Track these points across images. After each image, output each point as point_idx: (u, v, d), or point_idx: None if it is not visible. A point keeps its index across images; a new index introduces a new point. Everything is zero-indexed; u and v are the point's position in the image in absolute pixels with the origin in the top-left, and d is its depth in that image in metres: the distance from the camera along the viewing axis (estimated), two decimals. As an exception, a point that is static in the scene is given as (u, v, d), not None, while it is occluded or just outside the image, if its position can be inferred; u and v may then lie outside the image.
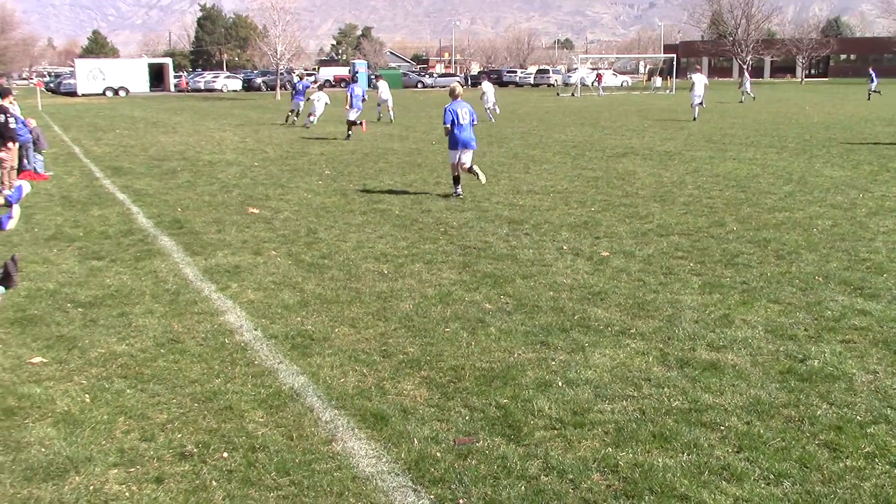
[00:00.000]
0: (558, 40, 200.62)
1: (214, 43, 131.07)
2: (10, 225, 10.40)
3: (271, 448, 4.37)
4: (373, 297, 7.17)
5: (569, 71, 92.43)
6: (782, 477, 4.00)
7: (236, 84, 79.47)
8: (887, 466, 4.10)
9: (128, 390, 5.17)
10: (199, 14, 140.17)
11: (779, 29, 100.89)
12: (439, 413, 4.77)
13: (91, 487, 4.00)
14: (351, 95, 23.96)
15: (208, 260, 8.68)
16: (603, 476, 4.05)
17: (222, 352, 5.86)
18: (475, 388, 5.11)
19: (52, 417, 4.77)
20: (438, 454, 4.28)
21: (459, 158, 12.71)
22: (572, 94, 59.17)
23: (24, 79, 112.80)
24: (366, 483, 4.02)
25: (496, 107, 31.79)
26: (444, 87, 74.07)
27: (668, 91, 64.31)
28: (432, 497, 3.90)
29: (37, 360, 5.73)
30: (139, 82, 72.62)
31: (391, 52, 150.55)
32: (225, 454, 4.31)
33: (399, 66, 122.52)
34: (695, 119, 29.41)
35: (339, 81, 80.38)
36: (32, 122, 16.80)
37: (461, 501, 3.86)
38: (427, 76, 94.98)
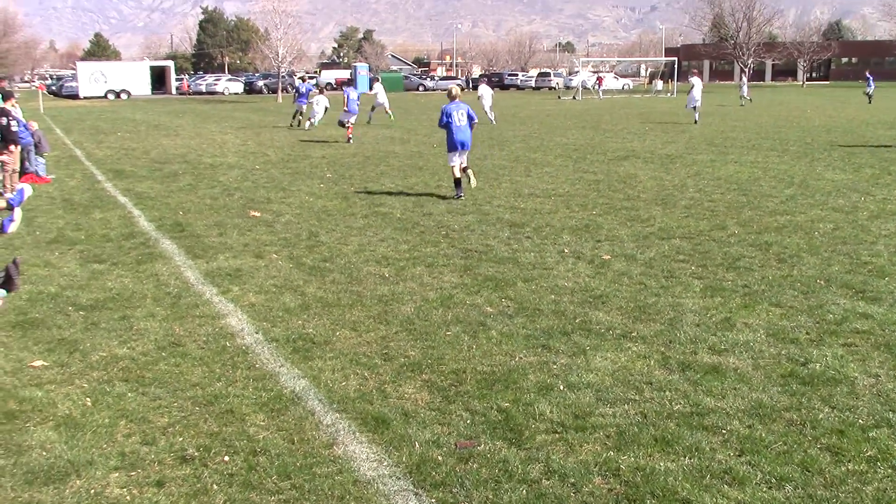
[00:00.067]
0: (559, 43, 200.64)
1: (216, 46, 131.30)
2: (12, 228, 10.44)
3: (272, 452, 4.36)
4: (374, 301, 7.17)
5: (570, 74, 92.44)
6: (784, 481, 3.99)
7: (238, 87, 79.60)
8: (889, 470, 4.09)
9: (129, 394, 5.17)
10: (201, 17, 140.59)
11: (780, 32, 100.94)
12: (440, 417, 4.77)
13: (92, 491, 4.00)
14: (347, 98, 24.05)
15: (210, 263, 8.68)
16: (604, 480, 4.04)
17: (223, 355, 5.86)
18: (476, 392, 5.11)
19: (53, 421, 4.77)
20: (440, 458, 4.27)
21: (454, 159, 12.80)
22: (573, 98, 59.23)
23: (27, 81, 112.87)
24: (367, 487, 4.01)
25: (492, 111, 31.73)
26: (445, 90, 74.14)
27: (669, 94, 64.34)
28: (434, 501, 3.89)
29: (38, 363, 5.73)
30: (141, 85, 72.74)
31: (392, 55, 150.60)
32: (226, 458, 4.31)
33: (400, 69, 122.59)
34: (696, 122, 29.39)
35: (340, 84, 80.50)
36: (34, 125, 16.83)
37: (462, 505, 3.85)
38: (428, 79, 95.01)
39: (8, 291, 7.32)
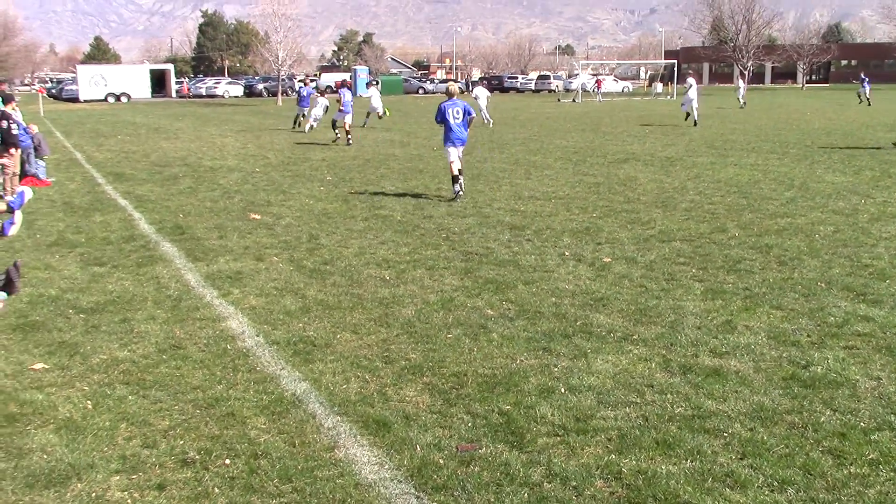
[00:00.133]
0: (559, 46, 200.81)
1: (216, 49, 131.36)
2: (13, 231, 10.42)
3: (273, 455, 4.36)
4: (375, 303, 7.16)
5: (570, 77, 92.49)
6: (786, 484, 3.99)
7: (238, 90, 79.59)
8: (891, 473, 4.08)
9: (130, 397, 5.16)
10: (201, 20, 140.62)
11: (780, 35, 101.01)
12: (442, 420, 4.76)
13: (93, 494, 4.00)
14: (343, 99, 24.12)
15: (210, 266, 8.68)
16: (606, 483, 4.04)
17: (224, 358, 5.85)
18: (477, 395, 5.10)
19: (53, 424, 4.77)
20: (441, 461, 4.27)
21: (452, 154, 13.01)
22: (573, 100, 59.26)
23: (27, 85, 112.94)
24: (368, 490, 4.01)
25: (487, 112, 31.78)
26: (444, 93, 74.19)
27: (668, 97, 64.37)
28: (435, 504, 3.89)
29: (39, 366, 5.73)
30: (141, 88, 72.73)
31: (392, 58, 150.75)
32: (227, 461, 4.30)
33: (400, 71, 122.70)
34: (696, 124, 29.45)
35: (339, 86, 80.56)
36: (34, 128, 16.82)
37: (464, 508, 3.85)
38: (428, 82, 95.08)
39: (8, 294, 7.31)
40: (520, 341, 6.11)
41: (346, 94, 24.29)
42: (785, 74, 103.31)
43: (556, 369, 5.52)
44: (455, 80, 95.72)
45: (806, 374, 5.37)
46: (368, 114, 31.89)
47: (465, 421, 4.74)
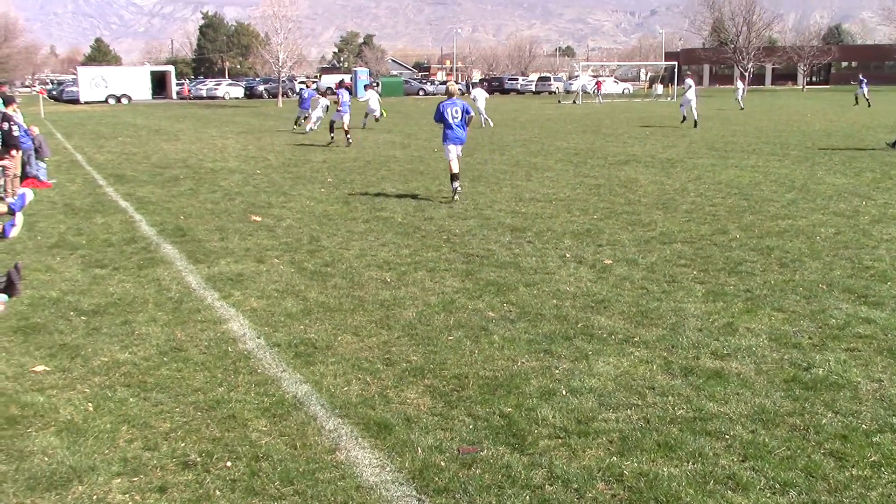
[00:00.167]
0: (559, 48, 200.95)
1: (216, 51, 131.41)
2: (14, 233, 10.42)
3: (275, 457, 4.35)
4: (376, 306, 7.16)
5: (570, 78, 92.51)
6: (788, 486, 3.98)
7: (238, 92, 79.62)
8: (894, 475, 4.08)
9: (131, 399, 5.16)
10: (202, 22, 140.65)
11: (780, 36, 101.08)
12: (443, 422, 4.76)
13: (94, 497, 3.99)
14: (340, 100, 24.19)
15: (211, 268, 8.68)
16: (608, 485, 4.03)
17: (225, 360, 5.85)
18: (479, 397, 5.10)
19: (55, 426, 4.76)
20: (442, 463, 4.26)
21: (451, 153, 13.16)
22: (574, 102, 59.25)
23: (27, 86, 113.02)
24: (370, 492, 4.00)
25: (486, 113, 31.94)
26: (444, 93, 74.21)
27: (669, 98, 64.38)
28: (437, 506, 3.89)
29: (40, 368, 5.73)
30: (141, 90, 72.73)
31: (393, 60, 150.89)
32: (228, 463, 4.30)
33: (401, 73, 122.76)
34: (696, 125, 29.53)
35: (338, 88, 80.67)
36: (35, 130, 16.83)
37: (466, 511, 3.84)
38: (429, 83, 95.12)
39: (10, 296, 7.31)
40: (521, 343, 6.11)
41: (344, 95, 24.39)
42: (785, 76, 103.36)
43: (557, 371, 5.52)
44: (456, 81, 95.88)
45: (807, 376, 5.37)
46: (366, 114, 32.03)
47: (466, 423, 4.74)
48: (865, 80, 47.17)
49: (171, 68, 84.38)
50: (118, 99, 69.38)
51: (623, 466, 4.19)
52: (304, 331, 6.48)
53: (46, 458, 4.36)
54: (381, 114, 32.04)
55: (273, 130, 31.52)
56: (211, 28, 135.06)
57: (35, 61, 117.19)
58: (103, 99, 69.05)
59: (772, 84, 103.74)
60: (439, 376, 5.46)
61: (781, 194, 13.24)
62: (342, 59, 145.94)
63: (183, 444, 4.52)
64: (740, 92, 46.77)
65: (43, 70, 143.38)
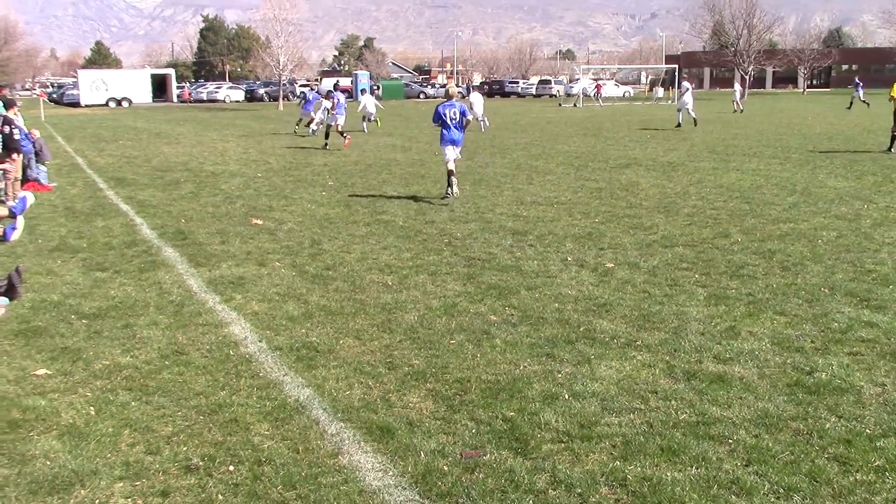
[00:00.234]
0: (560, 51, 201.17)
1: (217, 54, 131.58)
2: (15, 236, 10.43)
3: (277, 461, 4.34)
4: (377, 309, 7.15)
5: (571, 82, 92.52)
6: (792, 491, 3.97)
7: (239, 95, 79.69)
8: (898, 480, 4.07)
9: (133, 403, 5.15)
10: (202, 25, 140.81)
11: (780, 39, 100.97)
12: (445, 426, 4.75)
13: (97, 501, 3.98)
14: (337, 102, 24.25)
15: (212, 271, 8.67)
16: (611, 490, 4.02)
17: (227, 364, 5.84)
18: (481, 401, 5.09)
19: (56, 430, 4.75)
20: (445, 468, 4.25)
21: (448, 155, 13.48)
22: (574, 105, 59.27)
23: (28, 89, 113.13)
24: (372, 497, 3.99)
25: (484, 118, 32.07)
26: (444, 95, 74.32)
27: (670, 101, 64.36)
28: (440, 511, 3.88)
29: (41, 372, 5.72)
30: (142, 93, 72.82)
31: (393, 63, 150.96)
32: (231, 467, 4.29)
33: (401, 76, 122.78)
34: (696, 123, 29.85)
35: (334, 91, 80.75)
36: (36, 133, 16.84)
37: (469, 516, 3.83)
38: (429, 87, 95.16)
39: (11, 300, 7.31)
40: (523, 347, 6.10)
41: (340, 97, 24.47)
42: (786, 79, 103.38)
43: (559, 375, 5.51)
44: (456, 84, 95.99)
45: (810, 380, 5.36)
46: (363, 118, 32.23)
47: (468, 427, 4.73)
48: (861, 84, 47.33)
49: (171, 71, 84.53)
50: (119, 102, 69.48)
51: (626, 471, 4.18)
52: (305, 334, 6.47)
53: (48, 462, 4.35)
54: (376, 120, 32.22)
55: (274, 133, 31.53)
56: (211, 31, 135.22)
57: (35, 64, 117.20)
58: (104, 102, 69.15)
59: (772, 87, 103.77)
60: (441, 380, 5.45)
61: (783, 198, 13.23)
62: (343, 62, 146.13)
63: (185, 449, 4.51)
64: (738, 94, 46.74)
65: (43, 73, 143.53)
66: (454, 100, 13.53)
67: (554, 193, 14.18)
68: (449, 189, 13.56)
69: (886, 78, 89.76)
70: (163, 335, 6.50)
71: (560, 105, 61.04)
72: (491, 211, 12.34)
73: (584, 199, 13.40)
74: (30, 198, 12.30)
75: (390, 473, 4.21)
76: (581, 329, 6.50)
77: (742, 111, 44.13)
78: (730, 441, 4.50)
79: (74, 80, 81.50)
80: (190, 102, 77.52)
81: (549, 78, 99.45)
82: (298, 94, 31.88)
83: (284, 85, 62.82)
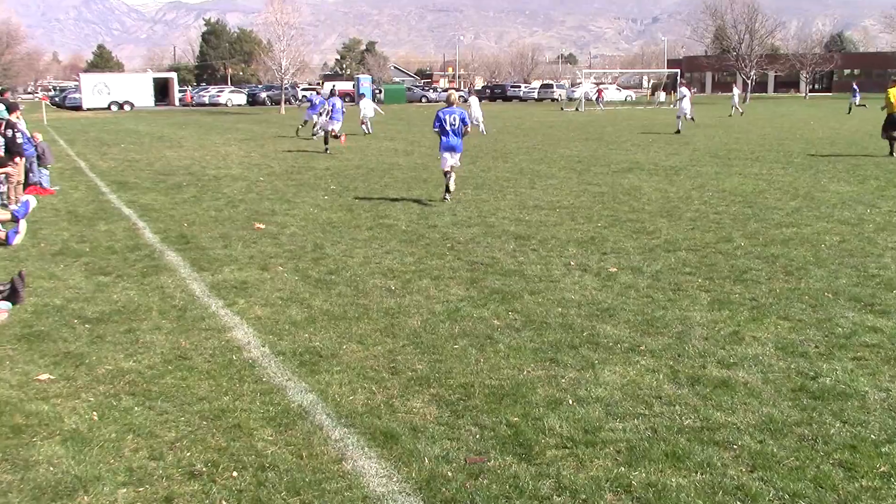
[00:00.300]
0: (562, 55, 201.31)
1: (219, 57, 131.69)
2: (17, 240, 10.43)
3: (281, 467, 4.33)
4: (380, 314, 7.14)
5: (573, 86, 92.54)
6: (797, 497, 3.96)
7: (241, 98, 79.77)
8: (903, 487, 4.06)
9: (136, 408, 5.14)
10: (204, 29, 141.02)
11: (782, 44, 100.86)
12: (449, 431, 4.74)
13: (100, 507, 3.97)
14: (333, 108, 24.31)
15: (215, 276, 8.67)
16: (616, 496, 4.01)
17: (230, 369, 5.83)
18: (485, 406, 5.08)
19: (59, 435, 4.74)
20: (449, 473, 4.24)
21: (447, 161, 13.60)
22: (576, 109, 59.28)
23: (30, 93, 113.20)
24: (377, 503, 3.98)
25: (481, 123, 32.23)
26: (444, 101, 74.31)
27: (671, 106, 64.33)
28: (444, 517, 3.86)
29: (44, 376, 5.71)
30: (144, 97, 72.92)
31: (395, 67, 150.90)
32: (234, 473, 4.28)
33: (403, 80, 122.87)
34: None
35: (342, 96, 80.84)
36: (38, 137, 16.85)
37: (473, 522, 3.82)
38: (431, 90, 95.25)
39: (13, 304, 7.31)
40: (526, 352, 6.09)
41: (337, 102, 24.54)
42: (788, 83, 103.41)
43: (563, 380, 5.49)
44: (457, 89, 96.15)
45: (815, 385, 5.35)
46: (363, 121, 32.40)
47: (472, 433, 4.71)
48: (857, 89, 47.68)
49: (173, 75, 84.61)
50: (121, 106, 69.57)
51: (631, 477, 4.17)
52: (308, 339, 6.47)
53: (51, 468, 4.34)
54: (370, 127, 32.47)
55: (276, 137, 31.55)
56: (213, 35, 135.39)
57: (37, 68, 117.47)
58: (106, 106, 69.23)
59: (774, 91, 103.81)
60: (445, 385, 5.44)
61: (786, 202, 13.22)
62: (344, 65, 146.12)
63: (188, 454, 4.50)
64: (736, 98, 46.64)
65: (45, 77, 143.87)
66: (454, 106, 13.63)
67: (556, 198, 14.17)
68: (447, 194, 13.73)
69: (887, 82, 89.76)
70: (166, 340, 6.50)
71: (562, 109, 61.03)
72: (493, 215, 12.33)
73: (587, 204, 13.39)
74: (32, 201, 12.32)
75: (394, 479, 4.20)
76: (584, 334, 6.49)
77: (742, 113, 44.11)
78: (734, 447, 4.48)
79: (77, 83, 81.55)
80: (192, 106, 77.60)
81: (550, 82, 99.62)
82: (303, 97, 32.00)
83: (286, 89, 62.82)
